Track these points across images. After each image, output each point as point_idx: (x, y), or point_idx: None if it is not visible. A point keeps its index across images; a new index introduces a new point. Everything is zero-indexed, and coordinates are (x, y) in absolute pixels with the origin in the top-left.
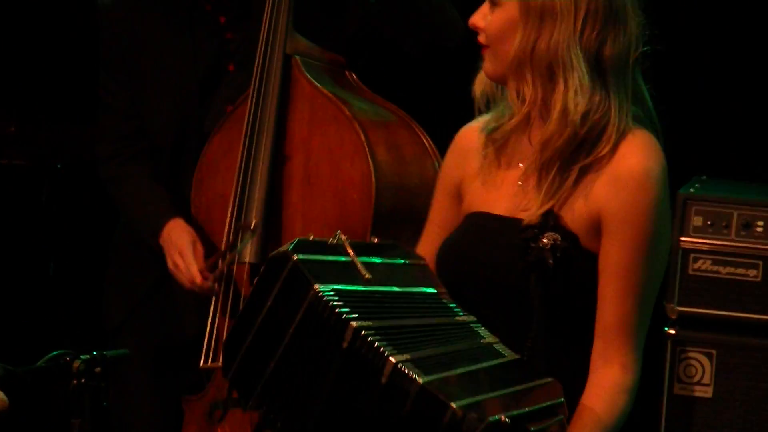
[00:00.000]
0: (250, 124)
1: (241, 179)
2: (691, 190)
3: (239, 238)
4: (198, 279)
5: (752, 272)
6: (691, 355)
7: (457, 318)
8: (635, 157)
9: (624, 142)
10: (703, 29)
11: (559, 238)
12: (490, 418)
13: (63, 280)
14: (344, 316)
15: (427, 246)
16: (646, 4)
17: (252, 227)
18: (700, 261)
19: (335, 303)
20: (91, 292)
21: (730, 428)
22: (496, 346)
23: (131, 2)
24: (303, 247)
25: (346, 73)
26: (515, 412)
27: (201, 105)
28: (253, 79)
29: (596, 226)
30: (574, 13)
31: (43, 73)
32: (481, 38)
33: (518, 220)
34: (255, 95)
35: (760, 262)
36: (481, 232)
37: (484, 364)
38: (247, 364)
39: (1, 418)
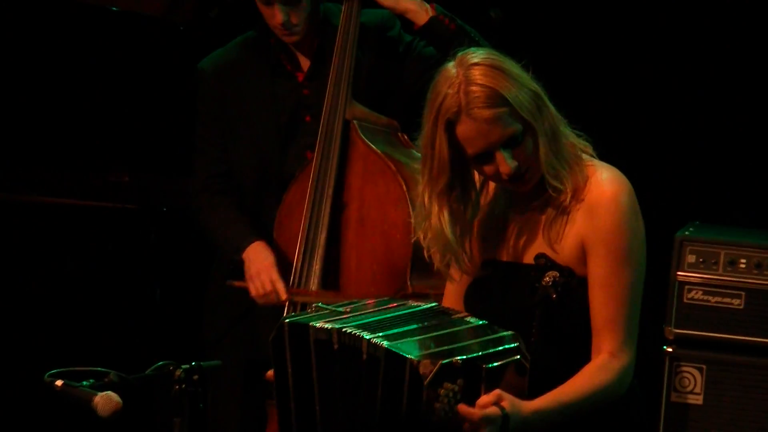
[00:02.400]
0: (316, 177)
1: (309, 221)
2: (686, 233)
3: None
4: (283, 293)
5: (736, 301)
6: (685, 369)
7: (421, 306)
8: (601, 187)
9: (591, 178)
10: (698, 95)
11: (558, 275)
12: (442, 362)
13: (167, 303)
14: (331, 327)
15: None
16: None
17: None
18: (693, 291)
19: (329, 327)
20: (190, 313)
21: (717, 430)
22: (467, 319)
23: (225, 67)
24: (289, 317)
25: (399, 134)
26: (467, 356)
27: (281, 152)
28: (318, 140)
29: (583, 253)
30: (539, 87)
31: (152, 133)
32: (524, 170)
33: (518, 265)
34: (320, 154)
35: (743, 293)
36: (492, 279)
37: (448, 329)
38: (302, 422)
39: (116, 416)
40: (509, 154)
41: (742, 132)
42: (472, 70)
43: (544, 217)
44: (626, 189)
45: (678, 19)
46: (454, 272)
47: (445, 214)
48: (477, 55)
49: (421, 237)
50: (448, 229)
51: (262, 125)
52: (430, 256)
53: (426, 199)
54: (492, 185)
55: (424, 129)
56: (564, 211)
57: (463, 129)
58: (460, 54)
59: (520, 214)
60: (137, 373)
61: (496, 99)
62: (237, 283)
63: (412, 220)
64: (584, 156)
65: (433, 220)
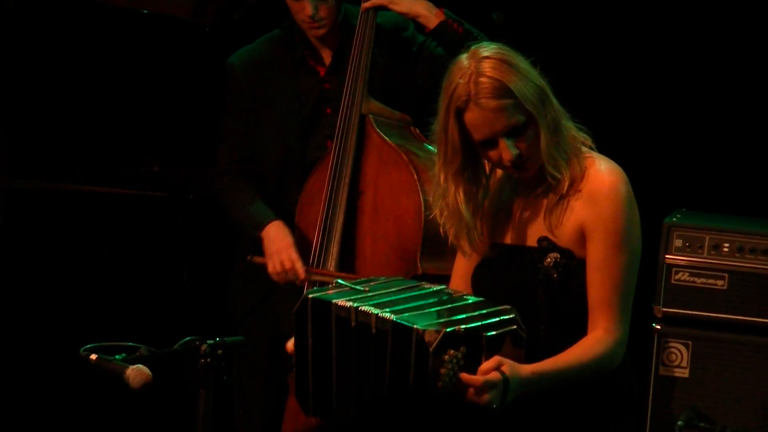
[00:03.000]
0: (334, 166)
1: (327, 207)
2: (674, 219)
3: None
4: (300, 269)
5: (720, 282)
6: (673, 345)
7: (431, 288)
8: (601, 177)
9: (590, 169)
10: (684, 95)
11: (559, 256)
12: (446, 329)
13: (193, 283)
14: (352, 305)
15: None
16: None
17: None
18: (680, 273)
19: (349, 305)
20: (214, 292)
21: (701, 401)
22: (465, 296)
23: (252, 62)
24: (312, 292)
25: (411, 128)
26: (471, 325)
27: (302, 141)
28: (336, 133)
29: (582, 237)
30: (542, 78)
31: (180, 128)
32: (525, 159)
33: (522, 247)
34: (338, 146)
35: (726, 275)
36: (498, 261)
37: (449, 305)
38: (319, 390)
39: (147, 387)
40: (512, 143)
41: (725, 126)
42: (482, 62)
43: (545, 204)
44: (624, 179)
45: (662, 14)
46: (465, 246)
47: (461, 192)
48: (488, 49)
49: (438, 214)
50: (463, 207)
51: (286, 116)
52: (445, 232)
53: (442, 180)
54: (499, 172)
55: (438, 114)
56: (564, 198)
57: (471, 116)
58: (473, 47)
59: (523, 200)
60: (166, 347)
61: (502, 91)
62: (257, 259)
63: (430, 199)
64: (584, 149)
65: (450, 199)
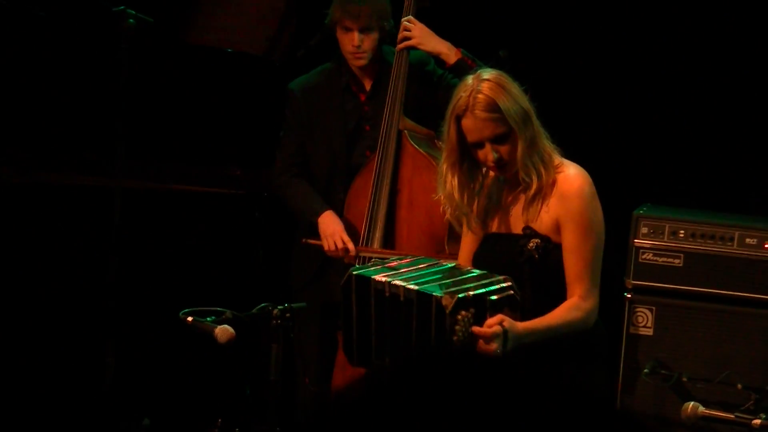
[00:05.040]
0: (377, 170)
1: (372, 203)
2: (641, 211)
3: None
4: (352, 248)
5: (677, 261)
6: (640, 310)
7: (447, 265)
8: (569, 179)
9: (560, 174)
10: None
11: (539, 241)
12: (459, 296)
13: (267, 262)
14: (386, 280)
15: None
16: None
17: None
18: (646, 254)
19: (384, 279)
20: (284, 268)
21: (663, 354)
22: (473, 270)
23: (308, 88)
24: (355, 269)
25: (436, 140)
26: (477, 291)
27: (347, 151)
28: (378, 145)
29: (558, 227)
30: (529, 103)
31: (256, 139)
32: (505, 162)
33: (510, 234)
34: (379, 155)
35: (682, 255)
36: (491, 245)
37: (460, 277)
38: (361, 345)
39: (231, 343)
40: (494, 148)
41: (684, 135)
42: (482, 83)
43: (526, 200)
44: (588, 181)
45: (628, 23)
46: (465, 225)
47: (455, 180)
48: (489, 73)
49: (441, 196)
50: (456, 192)
51: (334, 131)
52: (445, 211)
53: (443, 169)
54: (492, 174)
55: (444, 118)
56: (539, 197)
57: (466, 123)
58: (479, 70)
59: (508, 196)
60: (246, 311)
61: (492, 106)
62: (312, 241)
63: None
64: (557, 159)
65: (447, 185)
